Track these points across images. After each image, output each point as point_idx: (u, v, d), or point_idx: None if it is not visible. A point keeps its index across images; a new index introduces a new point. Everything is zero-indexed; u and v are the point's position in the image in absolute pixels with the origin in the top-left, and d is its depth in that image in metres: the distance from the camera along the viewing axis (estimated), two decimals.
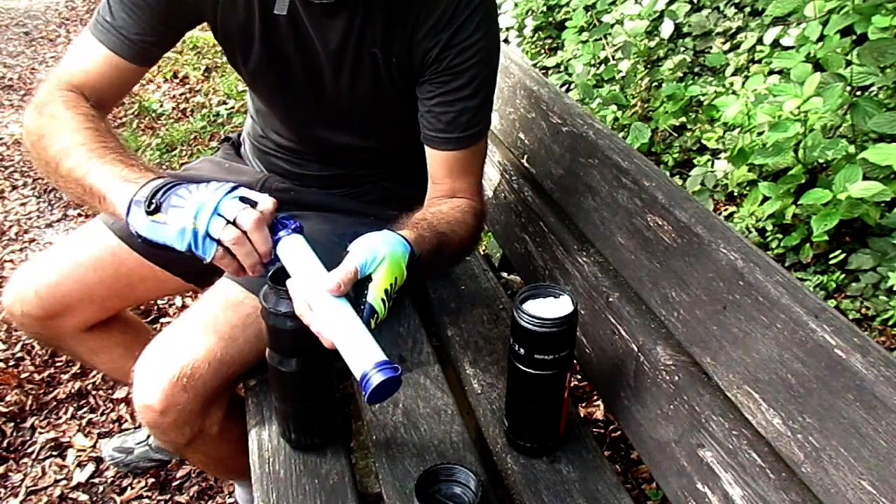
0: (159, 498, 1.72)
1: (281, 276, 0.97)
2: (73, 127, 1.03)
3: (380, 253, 0.88)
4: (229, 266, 0.90)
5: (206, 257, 0.88)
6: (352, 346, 0.81)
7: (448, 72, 1.10)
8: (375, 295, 0.86)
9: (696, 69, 2.63)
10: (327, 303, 0.84)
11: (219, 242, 0.87)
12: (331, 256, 1.21)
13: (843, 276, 1.80)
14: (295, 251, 0.90)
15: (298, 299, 0.86)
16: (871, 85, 1.94)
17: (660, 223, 1.07)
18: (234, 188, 0.90)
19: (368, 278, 0.87)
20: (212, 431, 1.18)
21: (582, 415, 1.81)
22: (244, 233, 0.87)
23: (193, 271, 1.37)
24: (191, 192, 0.88)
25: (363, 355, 0.80)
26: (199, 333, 1.13)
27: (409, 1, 1.07)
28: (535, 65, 3.19)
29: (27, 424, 1.91)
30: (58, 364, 2.10)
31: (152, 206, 0.88)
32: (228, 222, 0.87)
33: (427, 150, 1.18)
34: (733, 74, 2.44)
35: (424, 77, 1.12)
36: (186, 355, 1.10)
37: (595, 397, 1.87)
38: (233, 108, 3.65)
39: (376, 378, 0.78)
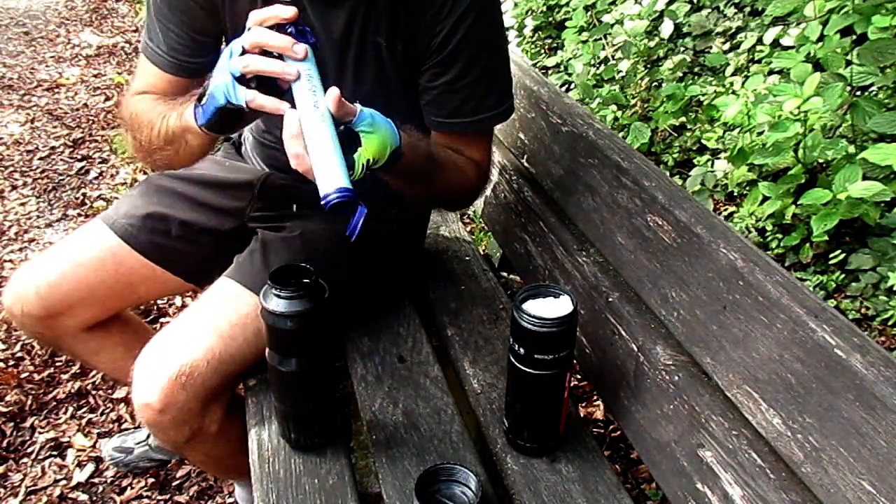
0: (159, 498, 1.72)
1: (281, 275, 0.97)
2: (144, 109, 1.13)
3: (377, 121, 0.92)
4: (268, 103, 0.89)
5: (242, 102, 0.90)
6: (325, 165, 0.85)
7: (450, 59, 1.10)
8: (360, 155, 0.90)
9: (696, 69, 2.63)
10: (318, 123, 0.86)
11: (242, 79, 0.90)
12: (330, 256, 1.21)
13: (842, 275, 1.81)
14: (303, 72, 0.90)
15: (291, 117, 0.88)
16: (871, 85, 1.94)
17: (660, 223, 1.07)
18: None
19: (358, 141, 0.90)
20: (211, 430, 1.18)
21: (582, 415, 1.81)
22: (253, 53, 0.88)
23: (193, 270, 1.37)
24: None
25: (331, 177, 0.84)
26: (198, 332, 1.13)
27: None
28: (535, 65, 3.19)
29: (27, 424, 1.91)
30: (57, 364, 2.10)
31: (199, 95, 0.97)
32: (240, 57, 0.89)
33: (433, 133, 1.19)
34: (733, 74, 2.44)
35: (427, 66, 1.12)
36: (186, 354, 1.10)
37: (595, 397, 1.87)
38: None
39: (334, 198, 0.83)
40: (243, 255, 1.25)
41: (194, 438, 1.17)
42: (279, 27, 0.89)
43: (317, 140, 0.85)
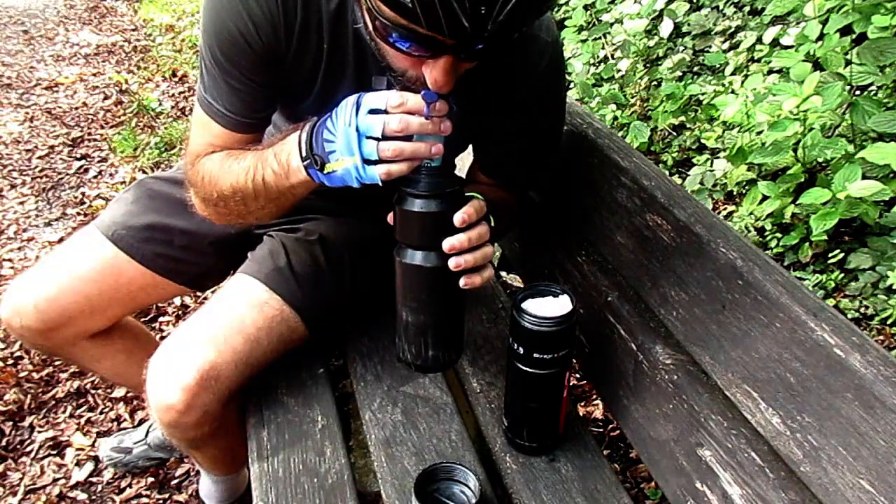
0: (158, 497, 1.72)
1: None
2: (218, 166, 1.04)
3: None
4: (398, 168, 0.86)
5: (378, 182, 0.87)
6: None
7: (524, 132, 1.11)
8: None
9: (696, 68, 2.63)
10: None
11: (381, 161, 0.86)
12: (340, 265, 1.22)
13: (841, 275, 1.81)
14: None
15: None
16: (871, 84, 1.94)
17: (659, 222, 1.07)
18: (357, 104, 0.86)
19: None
20: (228, 428, 1.20)
21: (581, 414, 1.81)
22: (399, 138, 0.85)
23: (196, 276, 1.35)
24: (331, 129, 0.87)
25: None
26: (225, 335, 1.12)
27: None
28: None
29: (26, 423, 1.91)
30: (56, 363, 2.10)
31: (318, 162, 0.89)
32: (378, 139, 0.85)
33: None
34: (732, 73, 2.44)
35: (494, 122, 1.09)
36: (213, 356, 1.09)
37: (594, 396, 1.87)
38: None
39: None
40: (262, 255, 1.23)
41: (211, 436, 1.17)
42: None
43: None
